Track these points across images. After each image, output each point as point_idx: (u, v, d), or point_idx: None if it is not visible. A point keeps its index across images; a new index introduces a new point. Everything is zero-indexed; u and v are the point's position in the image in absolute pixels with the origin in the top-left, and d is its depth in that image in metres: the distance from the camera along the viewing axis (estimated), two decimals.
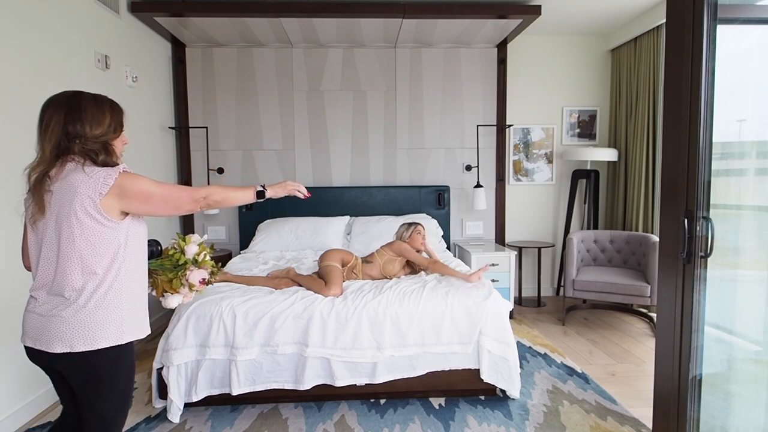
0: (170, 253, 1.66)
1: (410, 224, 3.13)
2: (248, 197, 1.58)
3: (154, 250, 1.62)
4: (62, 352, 1.29)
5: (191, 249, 1.66)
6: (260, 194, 1.63)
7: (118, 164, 1.36)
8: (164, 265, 1.62)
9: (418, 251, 3.05)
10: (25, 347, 1.37)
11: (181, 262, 1.63)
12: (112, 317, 1.33)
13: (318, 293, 2.57)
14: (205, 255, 1.67)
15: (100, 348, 1.31)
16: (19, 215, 1.39)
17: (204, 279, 1.65)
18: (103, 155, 1.34)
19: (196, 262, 1.65)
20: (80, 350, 1.29)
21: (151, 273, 1.61)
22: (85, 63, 2.95)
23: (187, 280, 1.62)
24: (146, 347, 3.41)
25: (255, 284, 2.77)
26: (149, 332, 1.48)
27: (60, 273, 1.30)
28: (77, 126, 1.32)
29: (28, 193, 1.34)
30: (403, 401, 2.58)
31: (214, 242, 4.37)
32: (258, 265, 3.32)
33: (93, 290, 1.30)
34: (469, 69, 4.43)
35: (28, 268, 1.44)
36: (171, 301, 1.64)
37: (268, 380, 2.42)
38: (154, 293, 1.64)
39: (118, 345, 1.35)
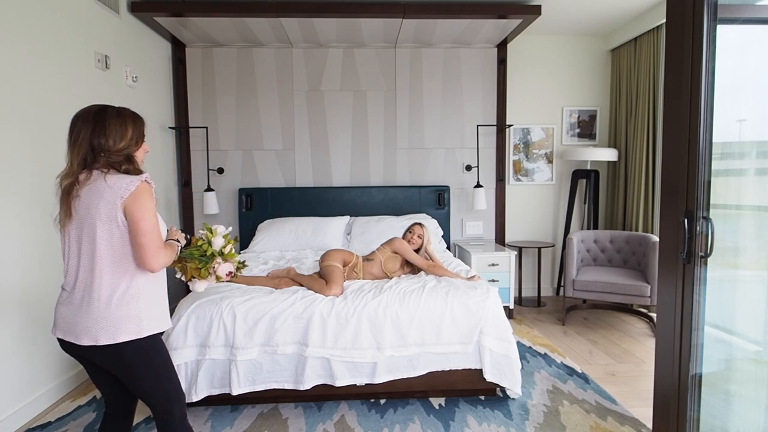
0: (198, 243, 1.74)
1: (413, 224, 3.15)
2: (176, 251, 1.60)
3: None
4: (89, 344, 1.41)
5: (218, 241, 1.74)
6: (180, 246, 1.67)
7: (141, 172, 1.49)
8: (193, 255, 1.71)
9: (417, 251, 3.06)
10: (57, 338, 1.48)
11: (208, 253, 1.72)
12: (131, 314, 1.44)
13: (318, 293, 2.57)
14: (231, 248, 1.76)
15: (121, 342, 1.42)
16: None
17: (231, 272, 1.75)
18: (125, 165, 1.47)
19: (222, 255, 1.74)
20: (104, 343, 1.41)
21: (181, 259, 1.71)
22: (85, 63, 2.95)
23: (215, 272, 1.72)
24: None
25: (255, 284, 2.77)
26: (170, 325, 1.58)
27: (83, 272, 1.43)
28: (101, 140, 1.43)
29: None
30: (403, 401, 2.58)
31: None
32: (258, 265, 3.32)
33: (113, 289, 1.42)
34: (469, 69, 4.43)
35: None
36: (198, 286, 1.74)
37: (268, 380, 2.42)
38: (183, 278, 1.74)
39: (139, 338, 1.45)
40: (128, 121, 1.49)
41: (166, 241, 1.60)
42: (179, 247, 1.63)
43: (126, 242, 1.43)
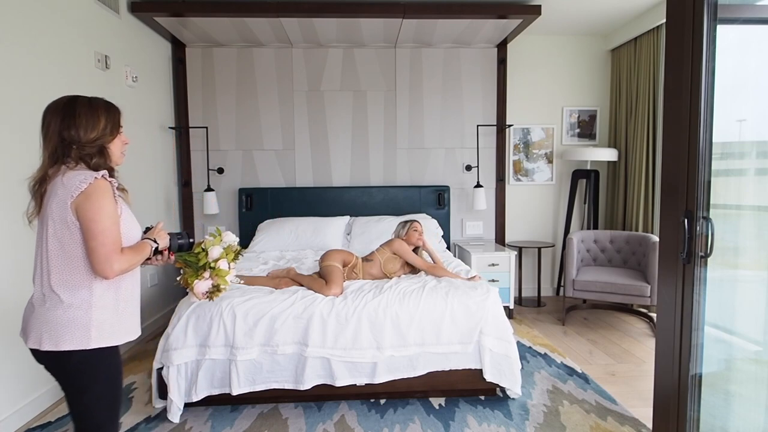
0: (197, 251, 1.63)
1: (406, 222, 3.14)
2: (147, 253, 1.45)
3: (183, 243, 1.61)
4: (33, 347, 1.34)
5: (215, 251, 1.63)
6: (155, 248, 1.51)
7: (109, 168, 1.40)
8: (189, 262, 1.62)
9: (416, 249, 3.06)
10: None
11: (201, 264, 1.62)
12: (78, 321, 1.33)
13: (318, 292, 2.57)
14: (222, 263, 1.64)
15: (64, 350, 1.31)
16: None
17: (206, 293, 1.63)
18: (96, 158, 1.38)
19: (212, 268, 1.62)
20: (46, 349, 1.31)
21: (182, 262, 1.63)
22: (85, 63, 2.95)
23: (191, 288, 1.62)
24: (146, 347, 3.41)
25: (255, 284, 2.77)
26: (131, 339, 1.46)
27: (37, 270, 1.36)
28: (72, 132, 1.35)
29: None
30: (403, 401, 2.58)
31: None
32: (258, 265, 3.32)
33: (62, 292, 1.32)
34: (469, 69, 4.43)
35: None
36: (193, 297, 1.66)
37: (268, 380, 2.42)
38: (183, 284, 1.66)
39: (85, 350, 1.33)
40: (101, 110, 1.40)
41: (143, 239, 1.48)
42: (154, 248, 1.48)
43: (78, 244, 1.33)
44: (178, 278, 1.70)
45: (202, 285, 1.62)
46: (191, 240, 1.65)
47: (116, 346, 1.41)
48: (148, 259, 1.50)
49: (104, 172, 1.36)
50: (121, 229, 1.38)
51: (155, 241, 1.50)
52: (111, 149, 1.43)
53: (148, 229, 1.56)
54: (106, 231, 1.31)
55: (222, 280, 1.65)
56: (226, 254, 1.67)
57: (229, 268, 1.69)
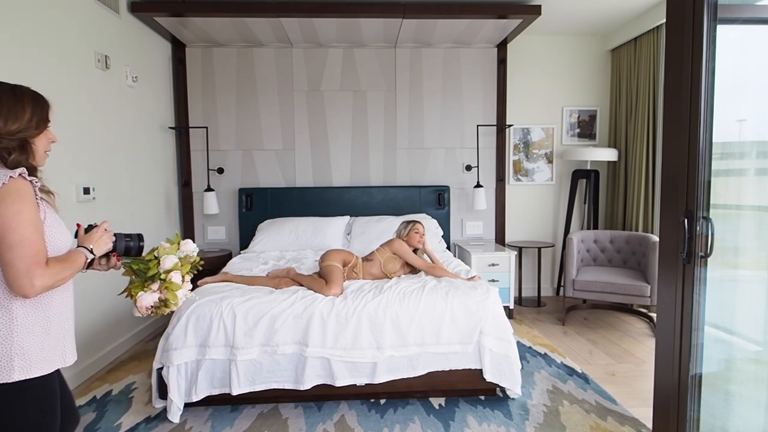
0: (147, 257, 1.45)
1: (408, 222, 3.13)
2: (80, 265, 1.27)
3: (132, 246, 1.42)
4: None
5: (168, 261, 1.45)
6: (90, 258, 1.32)
7: (30, 167, 1.23)
8: (138, 271, 1.44)
9: (416, 250, 3.05)
10: None
11: (150, 273, 1.42)
12: None
13: (318, 292, 2.58)
14: (171, 277, 1.44)
15: None
16: None
17: (149, 308, 1.43)
18: (16, 154, 1.19)
19: (162, 280, 1.43)
20: None
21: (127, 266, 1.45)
22: (85, 63, 2.95)
23: (134, 301, 1.42)
24: (146, 347, 3.41)
25: (255, 284, 2.77)
26: (65, 365, 1.29)
27: None
28: None
29: None
30: (403, 401, 2.58)
31: (214, 242, 4.38)
32: (258, 265, 3.32)
33: None
34: (469, 69, 4.43)
35: None
36: (135, 309, 1.44)
37: (268, 380, 2.42)
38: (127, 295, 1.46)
39: (7, 383, 1.15)
40: (26, 99, 1.23)
41: (78, 248, 1.29)
42: (89, 260, 1.29)
43: None
44: (119, 293, 1.47)
45: (147, 297, 1.40)
46: (142, 244, 1.45)
47: (48, 375, 1.23)
48: (89, 265, 1.33)
49: (22, 170, 1.16)
50: (45, 238, 1.20)
51: (91, 251, 1.30)
52: (35, 145, 1.25)
53: (91, 227, 1.37)
54: (25, 241, 1.12)
55: (172, 294, 1.44)
56: (177, 268, 1.46)
57: (183, 281, 1.48)
